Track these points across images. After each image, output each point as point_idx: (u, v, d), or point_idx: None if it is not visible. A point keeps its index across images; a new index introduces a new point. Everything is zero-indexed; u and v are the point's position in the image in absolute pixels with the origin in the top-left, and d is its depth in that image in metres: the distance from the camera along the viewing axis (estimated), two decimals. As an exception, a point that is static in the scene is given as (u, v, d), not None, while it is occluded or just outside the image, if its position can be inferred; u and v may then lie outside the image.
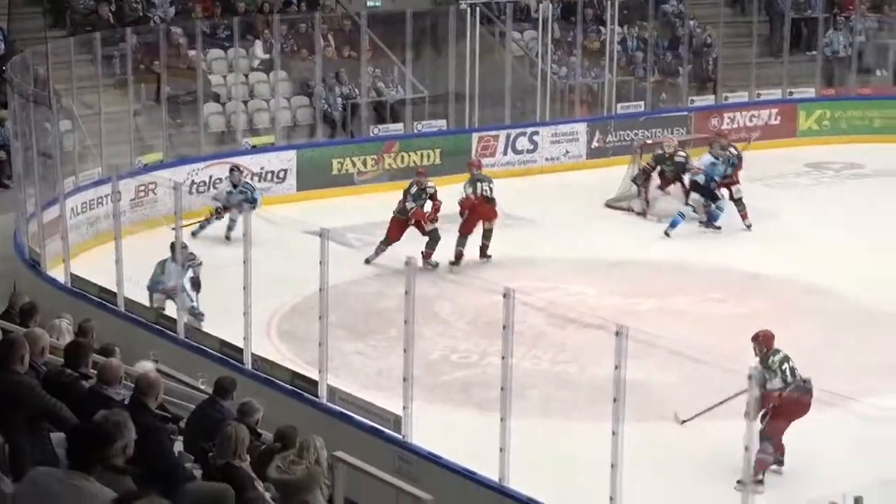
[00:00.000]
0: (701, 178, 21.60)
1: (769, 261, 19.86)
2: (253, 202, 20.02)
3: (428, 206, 19.37)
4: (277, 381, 13.70)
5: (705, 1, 30.07)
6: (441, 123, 25.52)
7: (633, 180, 22.87)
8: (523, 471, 11.75)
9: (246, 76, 25.14)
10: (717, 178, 21.53)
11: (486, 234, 19.75)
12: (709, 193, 21.64)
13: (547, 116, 26.52)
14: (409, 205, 19.28)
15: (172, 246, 15.64)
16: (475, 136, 25.32)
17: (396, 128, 25.17)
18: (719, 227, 21.61)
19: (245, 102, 24.79)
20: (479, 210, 19.62)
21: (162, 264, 16.13)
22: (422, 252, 18.74)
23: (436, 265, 19.07)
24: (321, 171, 23.88)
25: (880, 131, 28.07)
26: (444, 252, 19.30)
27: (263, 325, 16.17)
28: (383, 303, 16.58)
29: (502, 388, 11.56)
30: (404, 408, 12.42)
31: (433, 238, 19.16)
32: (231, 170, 21.55)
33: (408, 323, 12.31)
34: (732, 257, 20.18)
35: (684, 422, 13.50)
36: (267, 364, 14.11)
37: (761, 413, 12.67)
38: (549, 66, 26.81)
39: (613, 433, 10.69)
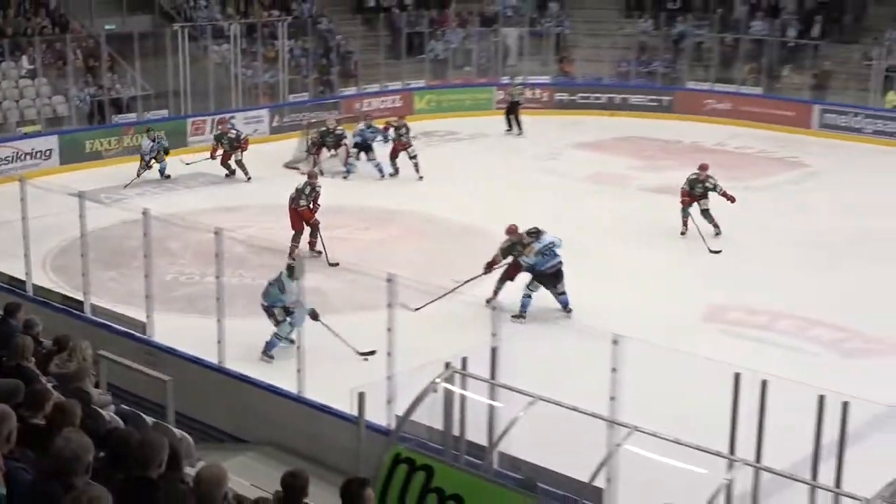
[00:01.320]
0: (358, 140, 21.88)
1: (399, 200, 20.18)
2: (165, 150, 21.62)
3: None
4: (53, 302, 13.21)
5: (347, 22, 30.17)
6: (164, 112, 24.81)
7: (307, 150, 22.72)
8: (237, 354, 11.76)
9: (16, 82, 23.90)
10: (374, 141, 21.79)
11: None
12: (364, 147, 21.88)
13: (241, 105, 26.14)
14: (302, 202, 16.81)
15: (289, 267, 12.70)
16: (189, 121, 24.71)
17: (131, 117, 24.35)
18: (346, 175, 21.83)
19: (17, 101, 23.61)
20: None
21: (279, 283, 12.69)
22: (309, 241, 16.72)
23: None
24: (77, 150, 22.89)
25: (469, 108, 28.77)
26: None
27: (40, 263, 15.52)
28: (128, 243, 16.10)
29: (217, 299, 11.46)
30: (147, 316, 12.18)
31: (315, 228, 16.84)
32: (147, 130, 21.90)
33: (147, 256, 12.07)
34: (374, 197, 20.36)
35: (416, 309, 13.09)
36: (44, 290, 13.59)
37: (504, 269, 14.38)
38: (240, 69, 26.45)
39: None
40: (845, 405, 8.24)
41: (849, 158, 24.04)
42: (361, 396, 9.35)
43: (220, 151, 21.95)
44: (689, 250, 17.44)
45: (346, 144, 22.20)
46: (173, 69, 25.02)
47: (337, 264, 16.04)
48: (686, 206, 17.84)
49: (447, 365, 9.01)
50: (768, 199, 20.87)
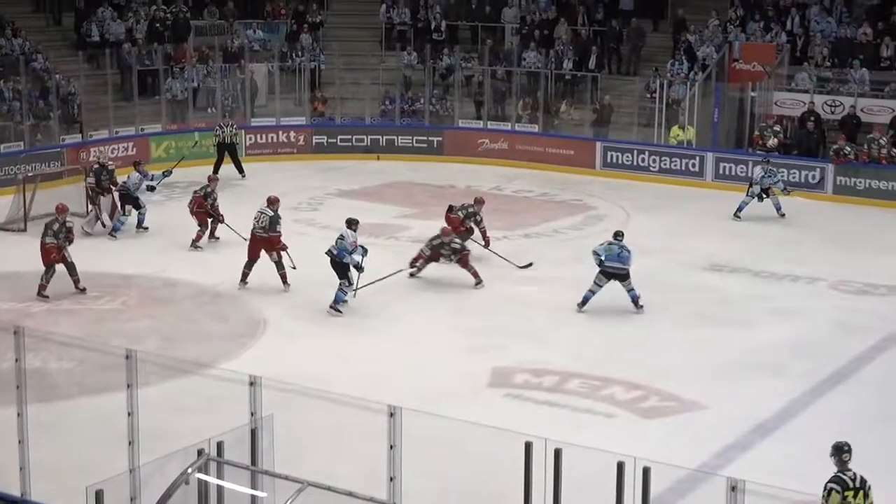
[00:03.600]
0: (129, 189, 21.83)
1: (135, 262, 19.75)
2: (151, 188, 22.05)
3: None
4: None
5: (67, 59, 29.44)
6: None
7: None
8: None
9: None
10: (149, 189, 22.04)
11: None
12: (132, 201, 21.81)
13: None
14: (48, 240, 17.78)
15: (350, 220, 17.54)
16: None
17: None
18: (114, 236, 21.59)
19: None
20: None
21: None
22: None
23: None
24: None
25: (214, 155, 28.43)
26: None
27: None
28: None
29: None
30: None
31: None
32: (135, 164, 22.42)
33: None
34: (109, 263, 19.84)
35: (355, 290, 17.25)
36: None
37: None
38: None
39: (19, 414, 10.32)
40: (646, 471, 8.47)
41: (636, 199, 25.02)
42: (99, 495, 9.00)
43: None
44: (468, 307, 17.72)
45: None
46: None
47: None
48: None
49: (200, 452, 8.82)
50: (551, 245, 21.46)
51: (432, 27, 32.09)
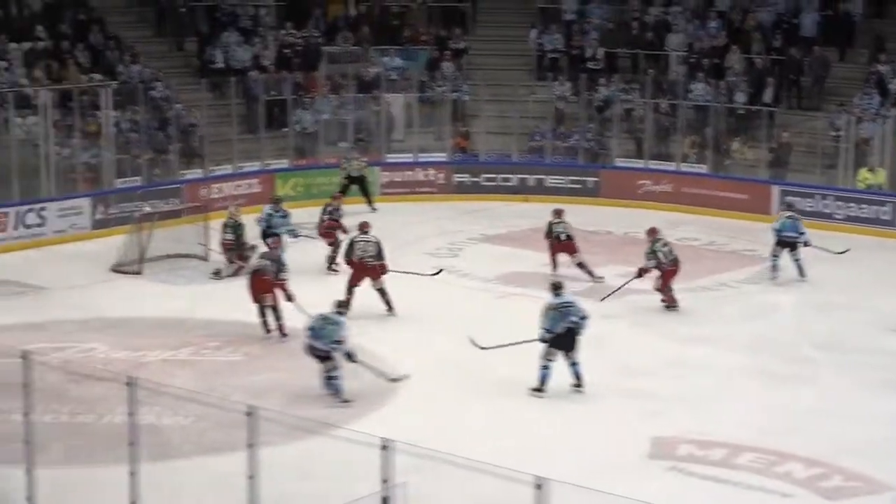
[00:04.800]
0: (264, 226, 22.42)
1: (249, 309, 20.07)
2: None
3: None
4: None
5: (189, 87, 30.16)
6: (-49, 204, 24.46)
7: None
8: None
9: None
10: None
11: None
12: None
13: (53, 193, 25.82)
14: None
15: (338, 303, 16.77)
16: (-15, 214, 24.41)
17: None
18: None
19: None
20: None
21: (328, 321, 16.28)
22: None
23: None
24: None
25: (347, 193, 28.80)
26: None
27: None
28: None
29: (26, 442, 11.18)
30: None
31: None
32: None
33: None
34: (221, 310, 20.20)
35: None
36: None
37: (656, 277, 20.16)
38: (52, 147, 26.17)
39: (131, 474, 10.53)
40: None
41: (817, 251, 24.58)
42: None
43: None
44: (625, 367, 17.60)
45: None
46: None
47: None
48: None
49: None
50: (719, 301, 21.24)
51: (588, 55, 32.07)
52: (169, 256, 23.12)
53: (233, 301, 20.27)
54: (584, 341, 16.41)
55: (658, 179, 29.23)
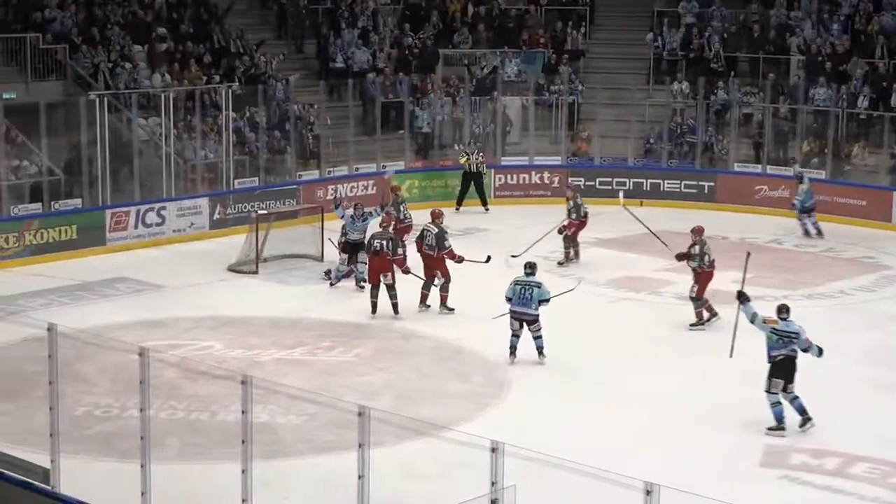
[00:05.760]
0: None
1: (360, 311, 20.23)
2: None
3: None
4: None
5: (306, 89, 30.46)
6: (77, 202, 24.90)
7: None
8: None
9: None
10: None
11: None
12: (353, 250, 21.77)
13: (172, 192, 26.25)
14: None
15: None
16: (108, 212, 24.80)
17: (35, 207, 24.38)
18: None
19: None
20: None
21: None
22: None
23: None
24: (-37, 250, 22.98)
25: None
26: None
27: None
28: (29, 366, 16.03)
29: (142, 438, 11.37)
30: (52, 462, 12.05)
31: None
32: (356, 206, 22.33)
33: (52, 383, 11.98)
34: (334, 311, 20.40)
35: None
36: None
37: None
38: (173, 147, 26.58)
39: (243, 471, 10.66)
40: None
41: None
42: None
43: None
44: (743, 372, 17.43)
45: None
46: (88, 147, 25.17)
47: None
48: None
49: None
50: (836, 309, 20.98)
51: (709, 55, 31.77)
52: (285, 256, 23.42)
53: (345, 302, 20.50)
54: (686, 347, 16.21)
55: (775, 185, 28.88)
